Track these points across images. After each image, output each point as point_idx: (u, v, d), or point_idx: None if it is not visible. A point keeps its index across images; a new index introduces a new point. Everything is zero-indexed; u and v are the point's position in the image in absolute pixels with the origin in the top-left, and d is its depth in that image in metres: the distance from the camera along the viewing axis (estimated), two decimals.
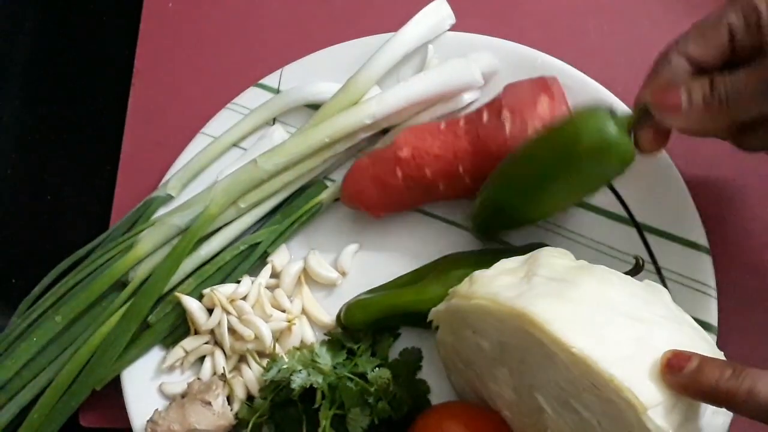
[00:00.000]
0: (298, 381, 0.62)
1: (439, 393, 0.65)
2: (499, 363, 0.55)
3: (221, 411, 0.64)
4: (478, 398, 0.61)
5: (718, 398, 0.45)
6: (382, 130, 0.68)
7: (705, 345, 0.50)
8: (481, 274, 0.54)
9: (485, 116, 0.62)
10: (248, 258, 0.68)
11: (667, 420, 0.45)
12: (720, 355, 0.51)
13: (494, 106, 0.63)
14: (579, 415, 0.50)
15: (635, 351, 0.47)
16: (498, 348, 0.53)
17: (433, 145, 0.63)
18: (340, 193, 0.68)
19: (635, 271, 0.60)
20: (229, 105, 0.73)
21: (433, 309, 0.58)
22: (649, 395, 0.45)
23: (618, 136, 0.54)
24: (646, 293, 0.52)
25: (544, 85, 0.62)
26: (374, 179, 0.65)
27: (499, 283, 0.52)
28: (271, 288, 0.69)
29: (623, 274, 0.54)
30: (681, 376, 0.46)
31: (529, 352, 0.51)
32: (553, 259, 0.54)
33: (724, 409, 0.49)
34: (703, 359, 0.46)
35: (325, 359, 0.63)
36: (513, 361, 0.53)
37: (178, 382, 0.67)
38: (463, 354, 0.58)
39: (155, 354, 0.69)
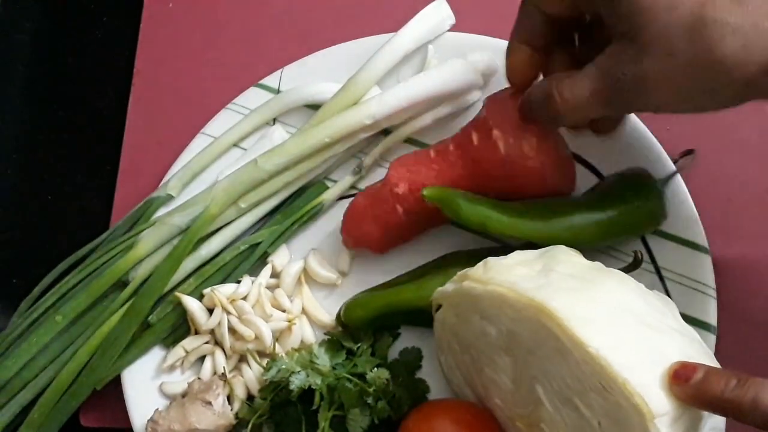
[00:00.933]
0: (296, 382, 0.62)
1: (438, 393, 0.65)
2: (502, 351, 0.55)
3: (221, 411, 0.64)
4: (465, 381, 0.61)
5: (723, 407, 0.46)
6: (383, 131, 0.69)
7: (711, 362, 0.50)
8: (496, 261, 0.54)
9: (474, 138, 0.62)
10: (248, 258, 0.68)
11: (671, 429, 0.46)
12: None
13: (480, 125, 0.62)
14: (578, 413, 0.50)
15: (649, 358, 0.47)
16: (505, 336, 0.53)
17: (428, 176, 0.63)
18: (342, 238, 0.67)
19: (634, 265, 0.60)
20: (229, 105, 0.73)
21: (440, 288, 0.58)
22: (659, 404, 0.46)
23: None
24: (660, 303, 0.53)
25: None
26: (375, 219, 0.65)
27: (517, 273, 0.52)
28: (271, 288, 0.69)
29: (638, 282, 0.54)
30: (687, 387, 0.46)
31: (540, 345, 0.51)
32: (570, 256, 0.55)
33: (720, 426, 0.50)
34: (709, 369, 0.47)
35: (324, 360, 0.63)
36: (520, 350, 0.53)
37: (178, 382, 0.67)
38: (464, 337, 0.58)
39: (155, 354, 0.69)
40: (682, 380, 0.46)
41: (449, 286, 0.57)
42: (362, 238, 0.66)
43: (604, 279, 0.52)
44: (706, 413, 0.48)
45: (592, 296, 0.50)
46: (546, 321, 0.48)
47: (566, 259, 0.54)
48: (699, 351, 0.50)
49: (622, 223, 0.61)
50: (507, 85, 0.61)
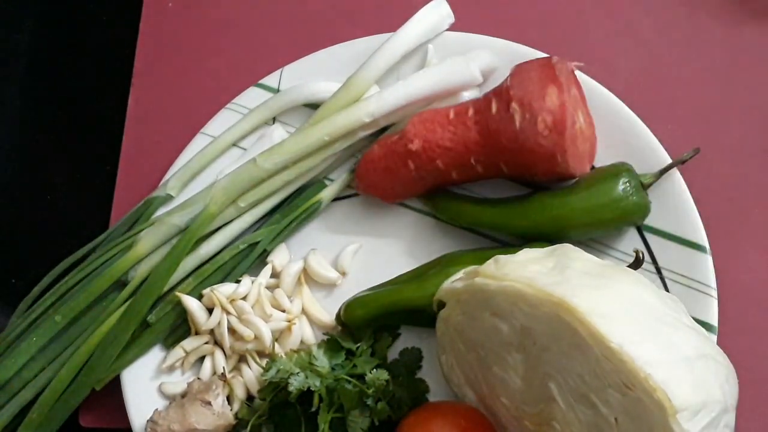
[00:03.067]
0: (295, 384, 0.61)
1: (438, 393, 0.65)
2: (513, 348, 0.54)
3: (221, 411, 0.64)
4: (467, 381, 0.61)
5: None
6: (382, 129, 0.68)
7: (724, 361, 0.51)
8: (509, 259, 0.54)
9: (494, 106, 0.62)
10: (248, 257, 0.68)
11: (691, 424, 0.46)
12: (731, 369, 0.51)
13: (502, 94, 0.62)
14: (595, 410, 0.50)
15: (668, 354, 0.48)
16: (518, 333, 0.53)
17: (443, 137, 0.63)
18: (355, 182, 0.68)
19: (635, 265, 0.60)
20: (229, 105, 0.73)
21: (446, 286, 0.57)
22: (681, 399, 0.46)
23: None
24: (671, 300, 0.53)
25: (551, 73, 0.60)
26: (387, 170, 0.66)
27: (531, 269, 0.52)
28: (271, 288, 0.69)
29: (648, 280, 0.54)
30: None
31: (557, 341, 0.51)
32: (582, 254, 0.55)
33: (731, 424, 0.50)
34: None
35: (323, 361, 0.63)
36: (534, 347, 0.53)
37: (178, 382, 0.67)
38: (470, 335, 0.58)
39: (155, 354, 0.68)
40: None
41: (458, 283, 0.56)
42: (372, 186, 0.67)
43: (619, 277, 0.52)
44: (721, 410, 0.48)
45: (610, 293, 0.50)
46: (566, 317, 0.48)
47: (578, 256, 0.54)
48: (713, 348, 0.50)
49: (591, 206, 0.61)
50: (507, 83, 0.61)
